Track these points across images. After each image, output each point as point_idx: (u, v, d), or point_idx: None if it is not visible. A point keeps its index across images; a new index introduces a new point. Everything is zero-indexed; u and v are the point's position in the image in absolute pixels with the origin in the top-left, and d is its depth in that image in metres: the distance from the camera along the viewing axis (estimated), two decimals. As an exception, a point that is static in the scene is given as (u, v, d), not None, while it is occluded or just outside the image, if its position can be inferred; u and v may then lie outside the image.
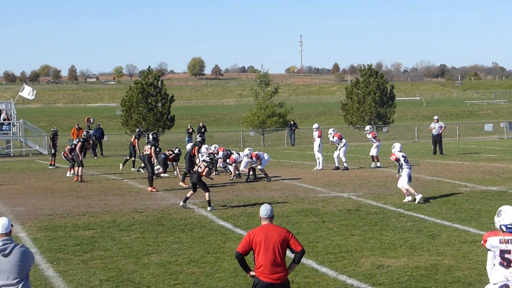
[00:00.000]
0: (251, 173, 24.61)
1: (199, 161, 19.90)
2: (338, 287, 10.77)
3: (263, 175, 24.45)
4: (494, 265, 7.94)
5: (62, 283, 11.34)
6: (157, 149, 24.92)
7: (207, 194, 18.37)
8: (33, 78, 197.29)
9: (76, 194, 21.91)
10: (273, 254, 8.04)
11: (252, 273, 8.26)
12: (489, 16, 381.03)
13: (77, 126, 42.19)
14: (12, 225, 7.79)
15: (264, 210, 8.29)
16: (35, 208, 19.14)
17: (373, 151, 28.32)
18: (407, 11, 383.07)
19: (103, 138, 43.16)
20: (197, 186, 18.59)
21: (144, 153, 23.79)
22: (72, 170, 27.34)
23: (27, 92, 47.96)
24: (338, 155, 27.66)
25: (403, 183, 18.97)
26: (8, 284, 7.47)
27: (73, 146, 27.64)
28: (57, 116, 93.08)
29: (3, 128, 45.75)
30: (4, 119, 45.58)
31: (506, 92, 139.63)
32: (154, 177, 24.90)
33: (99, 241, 14.59)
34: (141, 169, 28.12)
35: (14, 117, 46.91)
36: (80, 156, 25.62)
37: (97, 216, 17.55)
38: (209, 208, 18.23)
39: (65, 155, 27.74)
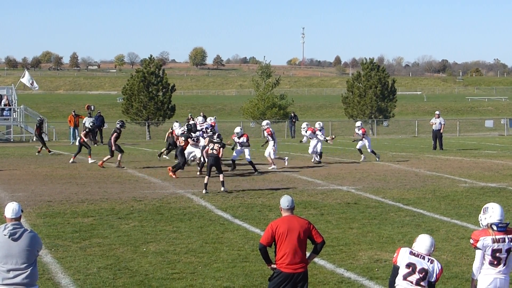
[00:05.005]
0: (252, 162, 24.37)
1: (213, 144, 20.02)
2: (335, 280, 10.78)
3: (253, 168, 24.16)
4: (483, 264, 7.89)
5: (59, 269, 11.35)
6: (194, 139, 24.46)
7: (221, 175, 19.65)
8: (35, 64, 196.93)
9: (75, 181, 21.92)
10: (296, 245, 8.09)
11: (273, 265, 8.29)
12: (491, 12, 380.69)
13: (73, 113, 42.18)
14: (22, 210, 7.80)
15: (285, 201, 8.32)
16: (34, 194, 19.14)
17: (360, 145, 28.48)
18: (410, 5, 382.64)
19: (104, 126, 43.13)
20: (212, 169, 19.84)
21: (179, 145, 23.71)
22: (90, 156, 27.45)
23: (27, 79, 47.91)
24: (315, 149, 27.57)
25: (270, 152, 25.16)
26: (16, 269, 7.47)
27: (87, 130, 27.87)
28: (58, 103, 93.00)
29: (4, 114, 45.73)
30: (5, 105, 45.56)
31: (507, 89, 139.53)
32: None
33: (97, 228, 14.60)
34: (165, 156, 28.61)
35: (15, 103, 46.90)
36: (113, 146, 25.49)
37: (96, 204, 17.56)
38: (222, 189, 19.42)
39: (81, 141, 27.83)
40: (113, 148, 25.52)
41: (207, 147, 20.46)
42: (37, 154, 31.96)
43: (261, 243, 8.25)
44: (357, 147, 28.92)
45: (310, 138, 27.75)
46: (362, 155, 28.41)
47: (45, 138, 44.66)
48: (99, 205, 17.35)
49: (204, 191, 19.40)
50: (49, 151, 32.21)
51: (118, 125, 26.42)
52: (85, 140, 27.78)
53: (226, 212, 16.53)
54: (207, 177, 19.65)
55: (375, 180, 22.14)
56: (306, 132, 27.87)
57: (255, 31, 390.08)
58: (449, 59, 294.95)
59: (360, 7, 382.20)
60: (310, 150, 27.84)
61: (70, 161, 27.41)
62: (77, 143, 28.83)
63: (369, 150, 28.49)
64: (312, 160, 27.65)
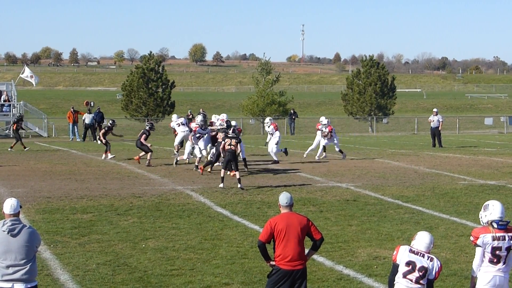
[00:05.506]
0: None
1: (230, 140, 19.90)
2: (334, 277, 10.79)
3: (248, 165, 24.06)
4: (483, 261, 7.88)
5: (58, 265, 11.35)
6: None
7: (237, 173, 19.62)
8: (34, 60, 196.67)
9: (74, 177, 21.91)
10: (295, 242, 8.10)
11: (272, 262, 8.29)
12: (491, 10, 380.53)
13: (72, 109, 42.18)
14: (21, 206, 7.80)
15: (284, 198, 8.32)
16: (33, 190, 19.14)
17: (326, 142, 27.42)
18: (410, 2, 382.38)
19: (103, 122, 43.09)
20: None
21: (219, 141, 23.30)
22: (106, 154, 27.33)
23: (27, 74, 47.89)
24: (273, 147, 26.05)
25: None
26: (15, 265, 7.48)
27: (106, 129, 27.87)
28: (58, 99, 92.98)
29: (4, 110, 45.77)
30: (4, 100, 45.56)
31: (507, 86, 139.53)
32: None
33: (96, 224, 14.61)
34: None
35: (14, 99, 46.90)
36: (144, 144, 25.32)
37: (95, 200, 17.55)
38: (239, 186, 19.32)
39: (100, 139, 27.88)
40: (147, 146, 25.31)
41: (223, 142, 20.34)
42: (9, 149, 31.82)
43: (259, 239, 8.25)
44: (323, 144, 27.51)
45: (271, 134, 26.20)
46: (324, 153, 27.74)
47: (44, 133, 44.83)
48: (98, 201, 17.34)
49: (221, 185, 19.50)
50: (24, 148, 32.06)
51: (148, 126, 26.26)
52: (104, 138, 27.61)
53: (225, 208, 16.53)
54: (223, 170, 19.71)
55: (374, 177, 22.14)
56: (269, 127, 26.38)
57: (255, 28, 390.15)
58: (449, 56, 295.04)
59: (360, 4, 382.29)
60: (269, 148, 26.19)
61: (108, 158, 27.27)
62: (99, 142, 28.84)
63: (337, 149, 27.66)
64: (275, 157, 25.99)
